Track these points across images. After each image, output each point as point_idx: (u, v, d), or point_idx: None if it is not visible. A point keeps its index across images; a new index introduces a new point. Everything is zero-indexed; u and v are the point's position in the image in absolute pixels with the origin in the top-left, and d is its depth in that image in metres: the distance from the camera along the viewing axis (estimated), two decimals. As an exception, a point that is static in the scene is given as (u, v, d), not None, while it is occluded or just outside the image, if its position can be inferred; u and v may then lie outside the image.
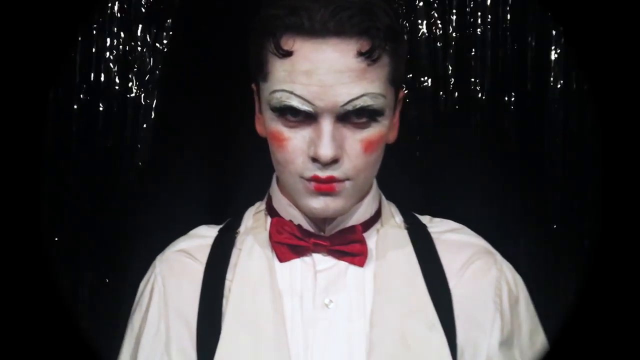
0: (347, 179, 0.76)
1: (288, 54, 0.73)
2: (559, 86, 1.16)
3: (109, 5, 1.15)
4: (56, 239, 1.16)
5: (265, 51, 0.75)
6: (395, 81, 0.78)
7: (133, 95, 1.17)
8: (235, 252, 0.84)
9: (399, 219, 0.88)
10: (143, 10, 1.16)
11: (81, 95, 1.16)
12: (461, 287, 0.82)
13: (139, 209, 1.17)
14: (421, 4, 1.17)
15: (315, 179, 0.75)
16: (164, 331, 0.81)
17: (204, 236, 0.87)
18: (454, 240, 0.86)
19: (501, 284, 0.84)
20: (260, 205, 0.90)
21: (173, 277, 0.84)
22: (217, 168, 1.18)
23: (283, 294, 0.80)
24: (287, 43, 0.73)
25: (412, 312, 0.79)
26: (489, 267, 0.84)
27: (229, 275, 0.82)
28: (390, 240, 0.84)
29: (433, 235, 0.86)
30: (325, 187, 0.76)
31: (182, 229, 0.91)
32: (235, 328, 0.77)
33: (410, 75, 1.17)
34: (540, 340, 0.85)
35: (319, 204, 0.77)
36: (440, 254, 0.84)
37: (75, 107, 1.16)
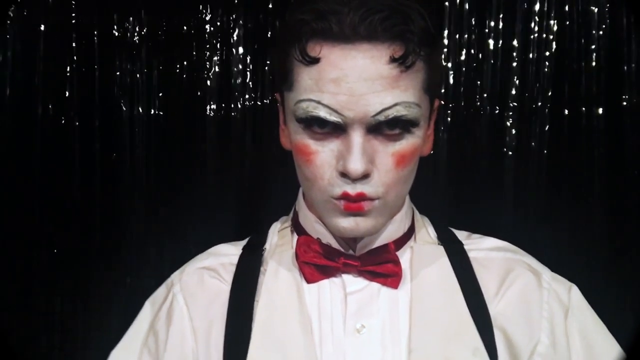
0: (378, 198, 0.71)
1: (315, 60, 0.68)
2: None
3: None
4: (69, 252, 1.14)
5: (291, 58, 0.71)
6: (430, 89, 0.73)
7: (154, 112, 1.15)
8: (262, 272, 0.79)
9: (433, 234, 0.83)
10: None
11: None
12: (501, 310, 0.77)
13: (151, 222, 1.14)
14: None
15: (345, 196, 0.70)
16: (190, 354, 0.76)
17: (227, 254, 0.83)
18: (492, 258, 0.81)
19: (548, 306, 0.77)
20: (286, 222, 0.85)
21: (197, 296, 0.80)
22: (238, 183, 1.14)
23: (312, 318, 0.75)
24: (314, 49, 0.69)
25: (454, 336, 0.73)
26: (532, 289, 0.79)
27: (257, 297, 0.77)
28: (425, 258, 0.79)
29: (470, 254, 0.81)
30: (355, 206, 0.71)
31: (197, 243, 0.87)
32: (262, 353, 0.73)
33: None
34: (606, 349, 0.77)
35: (348, 223, 0.72)
36: (477, 273, 0.79)
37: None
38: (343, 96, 0.68)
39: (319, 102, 0.69)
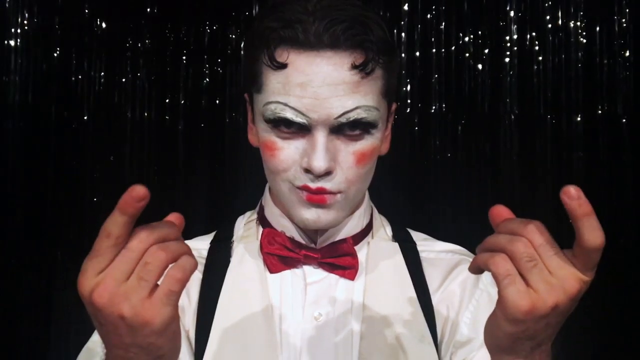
0: (339, 192, 0.76)
1: (282, 66, 0.73)
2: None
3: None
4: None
5: (260, 63, 0.75)
6: (388, 94, 0.78)
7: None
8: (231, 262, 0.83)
9: (389, 232, 0.88)
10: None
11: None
12: (439, 299, 0.82)
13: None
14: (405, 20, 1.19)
15: (306, 188, 0.75)
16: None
17: (196, 248, 0.85)
18: (442, 258, 0.86)
19: (477, 303, 0.81)
20: (252, 215, 0.89)
21: None
22: (210, 179, 1.18)
23: (273, 306, 0.79)
24: (282, 55, 0.73)
25: (403, 324, 0.79)
26: (470, 285, 0.83)
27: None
28: (380, 253, 0.84)
29: (422, 254, 0.86)
30: (316, 198, 0.75)
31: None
32: (223, 338, 0.77)
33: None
34: None
35: (311, 215, 0.76)
36: (425, 270, 0.84)
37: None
38: (308, 99, 0.72)
39: (286, 105, 0.73)
